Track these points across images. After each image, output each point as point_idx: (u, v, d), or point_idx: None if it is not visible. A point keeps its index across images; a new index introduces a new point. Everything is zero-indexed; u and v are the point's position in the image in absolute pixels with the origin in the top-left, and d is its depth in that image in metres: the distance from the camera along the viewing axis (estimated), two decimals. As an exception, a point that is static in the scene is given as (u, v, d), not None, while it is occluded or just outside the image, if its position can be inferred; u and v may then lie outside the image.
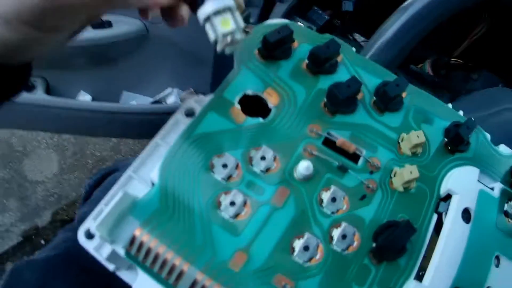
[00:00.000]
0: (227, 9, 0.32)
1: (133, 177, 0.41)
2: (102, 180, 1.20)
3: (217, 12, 0.32)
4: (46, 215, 2.35)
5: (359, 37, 1.21)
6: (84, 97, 1.33)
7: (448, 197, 0.45)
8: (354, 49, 0.49)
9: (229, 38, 0.33)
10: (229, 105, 0.43)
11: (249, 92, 0.44)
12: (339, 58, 0.47)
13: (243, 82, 0.44)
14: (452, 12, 0.75)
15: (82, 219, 1.09)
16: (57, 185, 2.42)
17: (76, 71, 1.32)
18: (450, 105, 0.51)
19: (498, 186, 0.47)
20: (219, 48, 0.33)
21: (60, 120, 1.31)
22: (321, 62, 0.45)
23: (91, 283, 0.86)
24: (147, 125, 1.32)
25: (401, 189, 0.43)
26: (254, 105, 0.44)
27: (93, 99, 1.35)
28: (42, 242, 2.28)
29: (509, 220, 0.46)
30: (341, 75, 0.47)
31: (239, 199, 0.38)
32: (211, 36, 0.33)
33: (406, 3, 0.76)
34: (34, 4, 0.34)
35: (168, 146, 0.41)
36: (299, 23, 1.13)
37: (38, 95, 1.29)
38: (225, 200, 0.38)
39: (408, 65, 1.12)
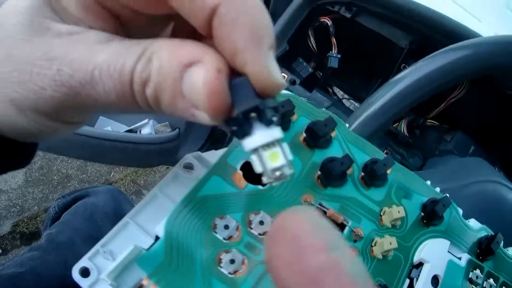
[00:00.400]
0: (276, 142, 0.30)
1: (130, 223, 0.43)
2: (72, 203, 1.22)
3: (266, 145, 0.30)
4: (6, 224, 2.34)
5: (338, 91, 1.25)
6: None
7: (420, 264, 0.49)
8: (347, 125, 0.53)
9: (278, 173, 0.30)
10: (232, 171, 0.46)
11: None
12: (333, 133, 0.51)
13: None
14: (439, 90, 0.80)
15: (52, 240, 1.11)
16: (20, 196, 2.41)
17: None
18: (429, 182, 0.55)
19: (465, 257, 0.52)
20: (265, 181, 0.31)
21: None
22: (318, 138, 0.49)
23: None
24: (119, 152, 1.34)
25: (380, 256, 0.47)
26: (253, 172, 0.47)
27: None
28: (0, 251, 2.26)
29: (473, 286, 0.51)
30: (334, 150, 0.51)
31: (238, 258, 0.42)
32: (258, 168, 0.30)
33: (395, 77, 0.80)
34: (54, 98, 0.32)
35: (166, 197, 0.44)
36: (284, 74, 1.18)
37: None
38: (225, 257, 0.41)
39: (385, 124, 1.15)
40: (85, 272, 0.39)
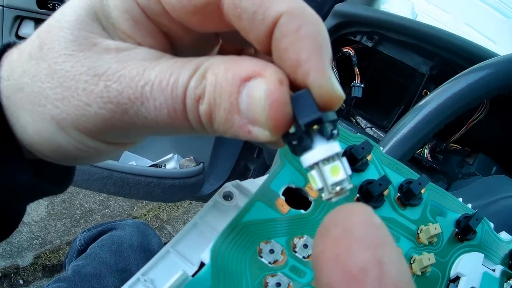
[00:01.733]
0: (336, 156, 0.29)
1: (171, 252, 0.45)
2: (98, 236, 1.22)
3: (327, 159, 0.29)
4: (28, 256, 2.34)
5: (361, 121, 1.25)
6: (85, 151, 1.35)
7: (457, 278, 0.51)
8: (382, 148, 0.55)
9: (338, 188, 0.29)
10: (275, 197, 0.47)
11: (292, 185, 0.48)
12: (369, 157, 0.53)
13: (287, 176, 0.49)
14: (464, 109, 0.81)
15: (79, 272, 1.12)
16: (42, 229, 2.42)
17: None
18: (460, 199, 0.57)
19: (499, 268, 0.53)
20: (325, 197, 0.29)
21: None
22: (356, 161, 0.51)
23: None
24: (144, 187, 1.35)
25: (419, 273, 0.49)
26: (296, 197, 0.49)
27: (94, 154, 1.37)
28: (21, 282, 2.27)
29: (509, 296, 0.52)
30: (371, 173, 0.52)
31: (284, 281, 0.43)
32: (318, 184, 0.29)
33: (421, 102, 0.81)
34: (99, 115, 0.31)
35: (206, 225, 0.46)
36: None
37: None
38: (271, 281, 0.42)
39: (408, 150, 1.16)
40: None
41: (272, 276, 0.43)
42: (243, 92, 0.28)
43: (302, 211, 0.48)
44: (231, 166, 1.51)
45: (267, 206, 0.47)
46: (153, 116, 0.30)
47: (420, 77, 1.13)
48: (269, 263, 0.44)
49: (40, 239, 2.41)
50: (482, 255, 0.53)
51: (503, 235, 0.58)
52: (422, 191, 0.53)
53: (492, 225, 0.57)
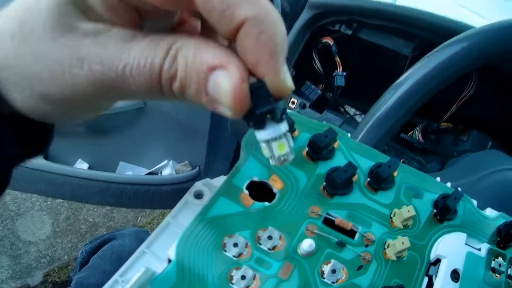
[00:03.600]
0: (282, 135, 0.35)
1: (146, 252, 0.45)
2: (99, 247, 1.23)
3: (274, 138, 0.35)
4: (38, 275, 2.35)
5: (350, 109, 1.24)
6: (82, 165, 1.35)
7: (437, 261, 0.49)
8: (349, 134, 0.54)
9: (282, 159, 0.35)
10: (238, 191, 0.47)
11: (256, 179, 0.48)
12: (335, 144, 0.52)
13: (251, 170, 0.49)
14: (442, 85, 0.79)
15: (81, 283, 1.12)
16: (49, 247, 2.42)
17: (75, 139, 1.35)
18: (438, 179, 0.55)
19: (485, 247, 0.51)
20: (273, 163, 0.36)
21: (57, 185, 1.33)
22: (320, 150, 0.50)
23: None
24: (142, 195, 1.35)
25: (394, 258, 0.47)
26: (260, 190, 0.48)
27: (90, 167, 1.37)
28: (33, 301, 2.27)
29: (497, 275, 0.50)
30: (338, 160, 0.51)
31: (249, 273, 0.42)
32: (266, 153, 0.35)
33: (398, 81, 0.80)
34: (86, 92, 0.34)
35: (178, 224, 0.45)
36: (293, 99, 1.18)
37: (37, 160, 1.31)
38: (236, 274, 0.42)
39: (398, 134, 1.14)
40: None
41: (237, 269, 0.43)
42: (211, 78, 0.32)
43: (266, 203, 0.47)
44: (227, 167, 1.51)
45: (230, 201, 0.46)
46: (133, 90, 0.33)
47: (403, 60, 1.11)
48: (234, 256, 0.43)
49: (48, 257, 2.42)
50: (465, 234, 0.51)
51: (489, 211, 0.56)
52: (395, 174, 0.52)
53: (475, 202, 0.55)
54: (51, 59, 0.33)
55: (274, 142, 0.35)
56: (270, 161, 0.36)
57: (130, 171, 1.46)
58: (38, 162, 1.31)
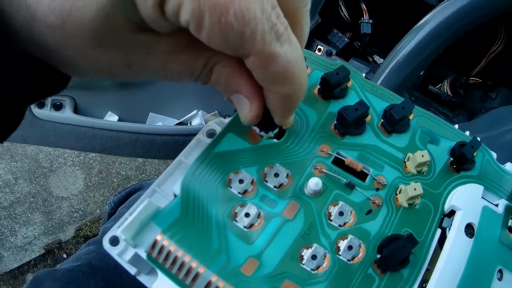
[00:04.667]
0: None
1: (157, 191, 0.44)
2: (127, 197, 1.23)
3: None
4: (70, 230, 2.38)
5: (378, 59, 1.22)
6: (112, 118, 1.35)
7: (452, 213, 0.47)
8: (363, 74, 0.52)
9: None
10: (246, 127, 0.46)
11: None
12: (349, 84, 0.50)
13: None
14: (465, 29, 0.77)
15: (106, 233, 1.12)
16: (82, 201, 2.46)
17: (104, 93, 1.34)
18: (456, 126, 0.53)
19: (502, 203, 0.48)
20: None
21: (87, 138, 1.34)
22: (331, 88, 0.48)
23: (111, 294, 0.88)
24: (172, 146, 1.35)
25: (405, 205, 0.45)
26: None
27: (120, 119, 1.36)
28: (64, 256, 2.32)
29: (514, 234, 0.47)
30: (351, 100, 0.50)
31: (253, 211, 0.41)
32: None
33: (416, 25, 0.78)
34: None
35: (190, 163, 0.44)
36: (319, 46, 1.16)
37: (66, 114, 1.31)
38: (240, 212, 0.41)
39: (427, 85, 1.12)
40: (114, 241, 0.40)
41: (242, 206, 0.42)
42: (235, 96, 0.39)
43: (275, 140, 0.46)
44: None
45: (238, 136, 0.46)
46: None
47: (431, 8, 1.09)
48: (239, 193, 0.43)
49: (80, 212, 2.45)
50: (482, 187, 0.49)
51: (508, 166, 0.53)
52: (410, 117, 0.50)
53: (494, 154, 0.52)
54: (102, 63, 0.36)
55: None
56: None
57: (160, 122, 1.45)
58: (68, 116, 1.31)
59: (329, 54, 1.17)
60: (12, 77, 0.36)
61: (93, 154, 2.54)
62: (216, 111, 1.47)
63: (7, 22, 0.33)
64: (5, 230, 2.32)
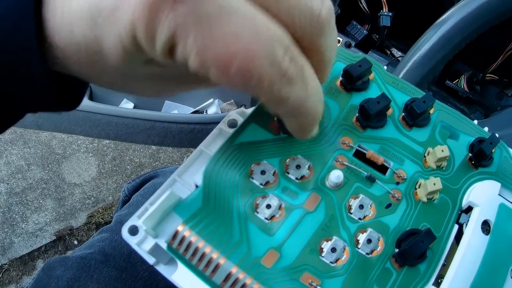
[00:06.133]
0: None
1: (177, 181, 0.44)
2: (141, 185, 1.23)
3: None
4: (82, 217, 2.39)
5: (396, 52, 1.21)
6: (127, 105, 1.35)
7: (469, 209, 0.47)
8: (385, 67, 0.52)
9: None
10: (269, 118, 0.46)
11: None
12: (371, 76, 0.50)
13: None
14: (489, 25, 0.76)
15: (121, 221, 1.13)
16: (94, 188, 2.46)
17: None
18: (475, 121, 0.53)
19: None
20: None
21: (101, 125, 1.33)
22: (353, 80, 0.48)
23: (124, 282, 0.88)
24: (187, 134, 1.35)
25: (424, 199, 0.45)
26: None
27: (136, 107, 1.37)
28: (75, 242, 2.32)
29: (529, 233, 0.47)
30: (373, 92, 0.50)
31: (274, 202, 0.41)
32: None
33: (439, 20, 0.77)
34: None
35: (211, 153, 0.44)
36: (338, 37, 1.16)
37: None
38: (262, 203, 0.41)
39: (444, 80, 1.11)
40: (134, 230, 0.40)
41: (263, 198, 0.42)
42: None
43: None
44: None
45: (260, 127, 0.46)
46: None
47: (450, 4, 1.08)
48: (260, 184, 0.43)
49: (92, 199, 2.46)
50: (499, 184, 0.49)
51: None
52: (431, 111, 0.50)
53: None
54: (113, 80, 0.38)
55: None
56: None
57: (176, 110, 1.45)
58: (83, 102, 1.31)
59: (348, 45, 1.17)
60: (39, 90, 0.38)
61: (107, 141, 2.55)
62: (232, 100, 1.47)
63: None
64: (16, 216, 2.33)
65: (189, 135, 1.35)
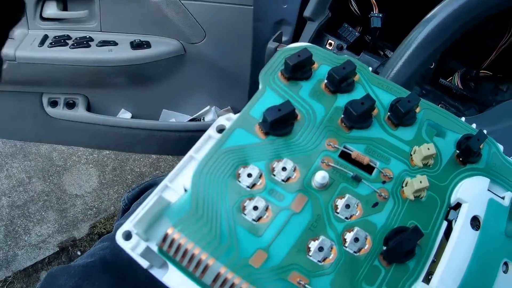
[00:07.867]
0: None
1: (168, 186, 0.45)
2: (141, 193, 1.23)
3: None
4: (84, 227, 2.39)
5: (389, 53, 1.21)
6: (125, 115, 1.36)
7: (458, 205, 0.47)
8: (370, 68, 0.53)
9: None
10: (255, 122, 0.47)
11: (272, 109, 0.47)
12: (356, 78, 0.51)
13: (268, 101, 0.48)
14: (473, 23, 0.77)
15: (120, 230, 1.12)
16: (96, 199, 2.46)
17: (117, 90, 1.34)
18: (463, 119, 0.53)
19: (509, 195, 0.49)
20: None
21: (100, 136, 1.34)
22: (337, 82, 0.49)
23: (125, 289, 0.89)
24: (186, 142, 1.36)
25: (412, 197, 0.46)
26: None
27: (133, 117, 1.37)
28: (78, 253, 2.32)
29: (520, 228, 0.47)
30: (358, 94, 0.50)
31: (261, 204, 0.42)
32: None
33: (425, 18, 0.78)
34: None
35: (200, 158, 0.45)
36: (330, 40, 1.17)
37: (79, 112, 1.32)
38: (249, 205, 0.42)
39: (437, 79, 1.12)
40: (128, 236, 0.42)
41: (250, 200, 0.43)
42: None
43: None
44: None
45: (246, 131, 0.46)
46: None
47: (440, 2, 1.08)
48: (247, 187, 0.43)
49: (94, 209, 2.45)
50: (488, 180, 0.49)
51: None
52: (417, 110, 0.51)
53: (501, 147, 0.53)
54: None
55: None
56: None
57: (173, 118, 1.46)
58: (81, 114, 1.32)
59: (340, 48, 1.17)
60: None
61: (107, 152, 2.55)
62: (229, 107, 1.47)
63: None
64: (19, 229, 2.34)
65: (188, 142, 1.35)
